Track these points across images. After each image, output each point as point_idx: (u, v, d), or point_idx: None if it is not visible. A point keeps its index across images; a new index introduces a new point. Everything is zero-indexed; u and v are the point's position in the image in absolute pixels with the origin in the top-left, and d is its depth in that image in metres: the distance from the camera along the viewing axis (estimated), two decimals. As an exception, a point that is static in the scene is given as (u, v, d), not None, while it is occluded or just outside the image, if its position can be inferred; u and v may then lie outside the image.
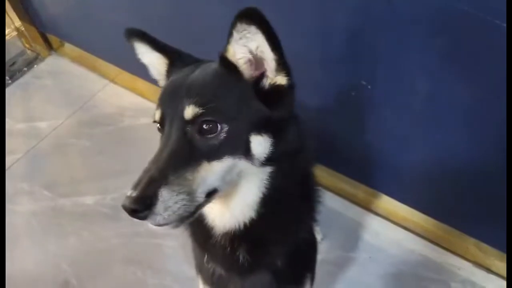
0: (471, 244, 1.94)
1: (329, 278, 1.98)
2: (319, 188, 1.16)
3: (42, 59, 3.06)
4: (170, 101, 0.92)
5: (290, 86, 0.94)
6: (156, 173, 0.83)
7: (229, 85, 0.92)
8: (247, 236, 1.02)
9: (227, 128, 0.87)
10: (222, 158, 0.88)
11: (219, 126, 0.87)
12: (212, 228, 1.04)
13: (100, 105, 2.75)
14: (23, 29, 2.99)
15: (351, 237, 2.11)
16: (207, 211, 1.03)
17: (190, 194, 0.85)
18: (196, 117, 0.86)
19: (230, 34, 0.88)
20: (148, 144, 2.63)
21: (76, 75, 2.94)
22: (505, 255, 1.86)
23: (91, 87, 2.84)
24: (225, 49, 0.92)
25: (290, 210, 1.06)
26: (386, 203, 2.12)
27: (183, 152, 0.87)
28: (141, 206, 0.81)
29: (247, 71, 0.93)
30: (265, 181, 0.97)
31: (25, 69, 3.00)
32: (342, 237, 2.11)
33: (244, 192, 0.97)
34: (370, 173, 2.02)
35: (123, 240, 2.14)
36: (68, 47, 3.00)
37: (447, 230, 1.96)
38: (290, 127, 0.97)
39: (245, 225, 1.00)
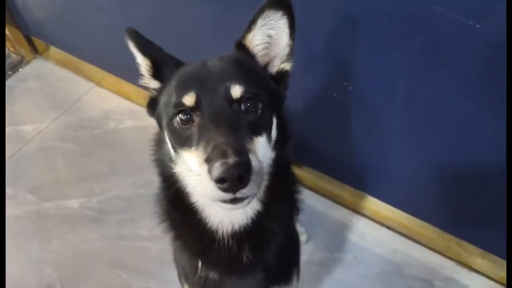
0: (453, 242, 1.97)
1: (314, 278, 1.99)
2: (298, 179, 1.20)
3: (27, 63, 3.04)
4: (202, 85, 0.93)
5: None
6: (236, 143, 0.82)
7: (253, 69, 1.02)
8: (252, 231, 1.04)
9: (261, 105, 0.94)
10: (262, 134, 0.94)
11: (257, 103, 0.93)
12: (216, 232, 1.04)
13: (86, 108, 2.74)
14: (7, 32, 2.96)
15: (337, 238, 2.13)
16: (214, 214, 1.03)
17: (261, 162, 0.86)
18: (242, 96, 0.91)
19: (253, 22, 0.99)
20: (133, 147, 2.63)
21: (62, 79, 2.92)
22: (486, 253, 1.89)
23: (77, 90, 2.83)
24: (243, 37, 1.02)
25: (284, 198, 1.11)
26: (371, 203, 2.15)
27: (239, 127, 0.89)
28: (246, 170, 0.79)
29: (261, 58, 1.04)
30: (270, 168, 1.01)
31: (10, 72, 2.98)
32: (328, 237, 2.13)
33: None
34: (355, 174, 2.03)
35: (108, 243, 2.12)
36: (53, 50, 2.99)
37: (430, 229, 1.98)
38: (284, 114, 1.07)
39: (252, 219, 1.03)
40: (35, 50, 3.06)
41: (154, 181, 1.16)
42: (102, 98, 2.79)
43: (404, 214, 2.02)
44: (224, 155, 0.78)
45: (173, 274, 1.49)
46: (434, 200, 1.85)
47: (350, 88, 1.63)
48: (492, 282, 1.93)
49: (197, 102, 0.91)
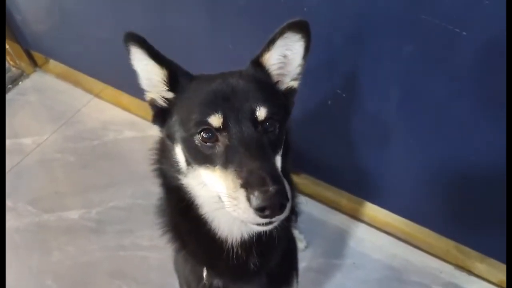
0: (452, 247, 1.98)
1: (314, 285, 2.00)
2: (294, 184, 1.24)
3: (27, 76, 3.08)
4: (228, 105, 0.93)
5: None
6: (272, 170, 0.86)
7: (271, 88, 1.05)
8: (259, 239, 1.06)
9: (278, 125, 0.97)
10: (278, 153, 0.97)
11: (275, 124, 0.96)
12: (225, 241, 1.06)
13: (85, 120, 2.76)
14: (7, 46, 3.00)
15: (335, 244, 2.13)
16: (224, 224, 1.05)
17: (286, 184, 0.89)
18: (266, 118, 0.94)
19: (272, 42, 1.00)
20: (132, 157, 2.65)
21: (61, 91, 2.95)
22: (485, 257, 1.90)
23: (76, 103, 2.86)
24: (261, 55, 1.04)
25: None
26: (369, 209, 2.16)
27: (266, 149, 0.92)
28: (286, 198, 0.82)
29: (275, 76, 1.07)
30: None
31: (10, 86, 3.01)
32: (326, 244, 2.13)
33: None
34: (352, 181, 2.05)
35: (108, 254, 2.13)
36: (52, 63, 3.02)
37: (429, 234, 1.99)
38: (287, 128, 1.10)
39: None
40: (34, 64, 3.10)
41: (153, 191, 1.17)
42: (100, 110, 2.82)
43: (403, 220, 2.03)
44: (263, 183, 0.81)
45: (174, 283, 1.51)
46: (432, 205, 1.86)
47: (344, 95, 1.66)
48: (491, 286, 1.93)
49: (224, 123, 0.91)
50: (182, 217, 1.08)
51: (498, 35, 1.17)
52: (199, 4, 1.79)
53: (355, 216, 2.22)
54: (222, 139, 0.91)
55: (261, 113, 0.93)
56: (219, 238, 1.05)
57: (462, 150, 1.57)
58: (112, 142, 2.62)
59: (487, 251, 1.85)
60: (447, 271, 2.00)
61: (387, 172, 1.87)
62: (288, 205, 0.83)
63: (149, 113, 1.10)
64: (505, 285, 1.92)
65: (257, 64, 1.04)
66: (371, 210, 2.14)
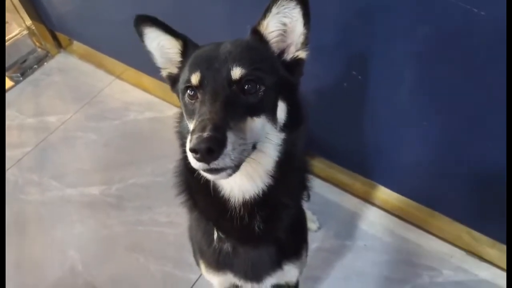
0: (464, 232, 1.98)
1: (325, 265, 2.04)
2: (309, 160, 1.27)
3: (52, 57, 3.19)
4: (209, 65, 0.99)
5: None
6: (218, 120, 0.89)
7: (262, 54, 1.06)
8: (263, 203, 1.10)
9: (263, 89, 0.98)
10: (260, 115, 0.99)
11: (258, 86, 0.98)
12: (228, 200, 1.10)
13: (107, 100, 2.85)
14: (33, 28, 3.11)
15: (348, 226, 2.17)
16: (225, 183, 1.09)
17: (245, 140, 0.94)
18: (242, 77, 0.97)
19: (268, 9, 1.03)
20: (152, 137, 2.72)
21: (84, 72, 3.05)
22: (496, 243, 1.90)
23: (98, 83, 2.96)
24: (258, 23, 1.06)
25: (295, 176, 1.17)
26: (382, 193, 2.18)
27: (233, 106, 0.94)
28: (216, 145, 0.85)
29: (275, 44, 1.08)
30: (279, 147, 1.07)
31: (36, 66, 3.13)
32: (339, 226, 2.17)
33: (265, 156, 1.05)
34: (366, 164, 2.07)
35: (127, 228, 2.23)
36: (76, 45, 3.12)
37: (440, 218, 2.00)
38: (298, 100, 1.11)
39: (263, 191, 1.09)
40: (59, 45, 3.20)
41: (171, 169, 1.23)
42: (122, 91, 2.90)
43: (415, 204, 2.04)
44: (203, 129, 0.85)
45: (189, 258, 1.56)
46: (444, 189, 1.87)
47: (360, 77, 1.67)
48: (500, 271, 1.94)
49: (201, 81, 0.99)
50: (192, 175, 1.12)
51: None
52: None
53: (368, 200, 2.24)
54: (200, 96, 0.99)
55: (236, 72, 0.96)
56: (223, 196, 1.10)
57: (475, 134, 1.57)
58: (132, 122, 2.71)
59: (498, 236, 1.85)
60: (458, 256, 2.02)
61: (400, 155, 1.88)
62: (227, 153, 0.86)
63: (168, 94, 1.16)
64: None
65: (255, 32, 1.08)
66: (384, 193, 2.16)
